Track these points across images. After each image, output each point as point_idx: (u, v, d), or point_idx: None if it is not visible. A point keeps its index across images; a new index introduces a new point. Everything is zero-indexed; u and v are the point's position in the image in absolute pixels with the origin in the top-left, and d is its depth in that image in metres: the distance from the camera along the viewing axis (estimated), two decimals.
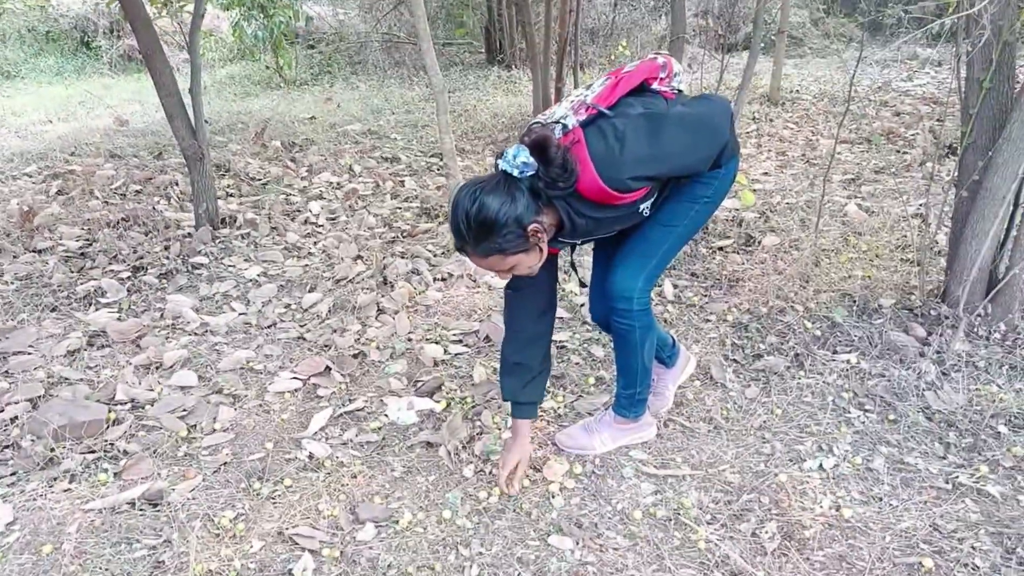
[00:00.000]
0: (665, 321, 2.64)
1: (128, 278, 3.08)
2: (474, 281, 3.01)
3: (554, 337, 2.51)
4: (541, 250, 1.53)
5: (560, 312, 2.70)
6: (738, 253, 3.15)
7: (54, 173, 4.49)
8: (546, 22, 5.40)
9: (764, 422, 2.05)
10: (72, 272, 3.12)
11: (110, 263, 3.19)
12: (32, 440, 1.98)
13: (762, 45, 6.75)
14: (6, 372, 2.38)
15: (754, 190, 3.79)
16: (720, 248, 3.20)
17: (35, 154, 5.02)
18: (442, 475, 1.90)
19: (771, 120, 5.40)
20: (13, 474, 1.89)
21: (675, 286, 2.87)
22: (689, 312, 2.70)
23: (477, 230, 1.43)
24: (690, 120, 1.55)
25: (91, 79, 8.92)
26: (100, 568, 1.59)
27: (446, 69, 8.34)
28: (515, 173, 1.43)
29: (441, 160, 4.51)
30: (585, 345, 2.51)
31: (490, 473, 1.89)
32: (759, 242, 3.18)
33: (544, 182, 1.44)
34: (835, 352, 2.35)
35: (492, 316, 2.67)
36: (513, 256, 1.48)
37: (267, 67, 8.28)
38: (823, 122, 5.29)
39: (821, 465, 1.86)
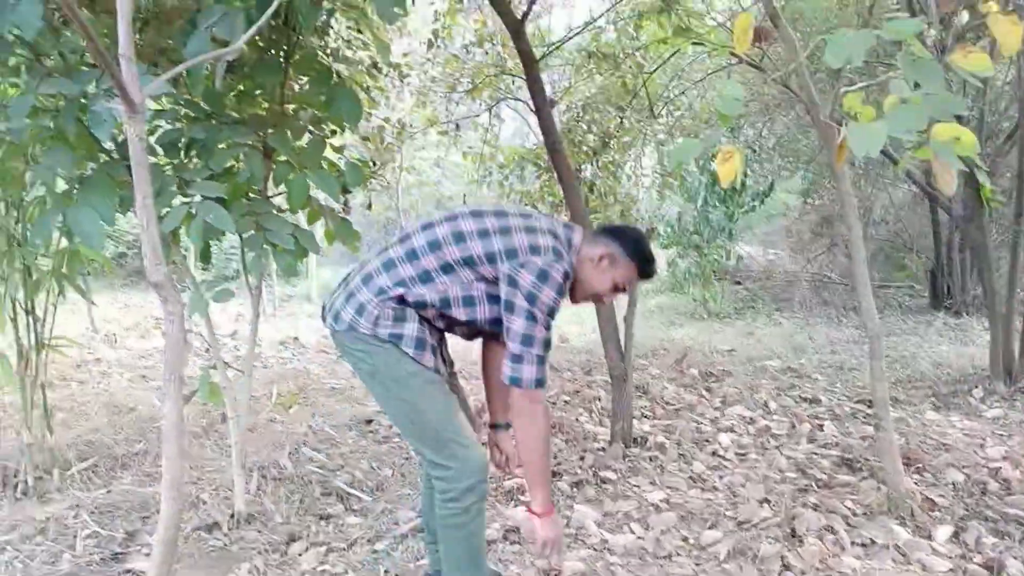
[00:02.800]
0: None
1: None
2: (903, 555, 2.56)
3: None
4: None
5: None
6: None
7: None
8: (1011, 267, 4.78)
9: None
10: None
11: None
12: None
13: None
14: None
15: None
16: None
17: None
18: None
19: None
20: None
21: None
22: None
23: None
24: None
25: None
26: None
27: (881, 312, 7.81)
28: None
29: (869, 408, 4.11)
30: None
31: None
32: None
33: None
34: None
35: None
36: None
37: (694, 299, 8.79)
38: None
39: None
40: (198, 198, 2.30)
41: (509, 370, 1.82)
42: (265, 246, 2.52)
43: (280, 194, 2.73)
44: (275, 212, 2.60)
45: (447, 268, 1.86)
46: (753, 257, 10.75)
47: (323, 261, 12.88)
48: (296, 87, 2.94)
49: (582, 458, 3.56)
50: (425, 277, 1.86)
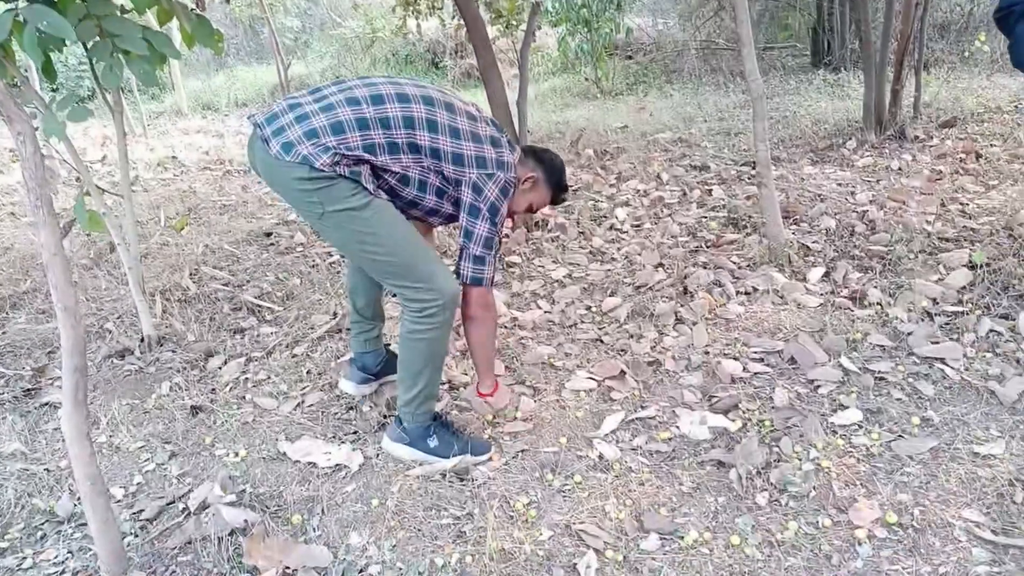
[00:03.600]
0: (1018, 362, 2.23)
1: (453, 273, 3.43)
2: (781, 298, 2.84)
3: (872, 367, 2.28)
4: None
5: (882, 340, 2.43)
6: None
7: None
8: (886, 18, 4.88)
9: None
10: None
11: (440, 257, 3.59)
12: (371, 407, 2.31)
13: None
14: None
15: None
16: None
17: None
18: (732, 498, 1.82)
19: None
20: (355, 433, 2.22)
21: None
22: None
23: None
24: None
25: None
26: (413, 528, 1.79)
27: (766, 74, 7.96)
28: None
29: (753, 169, 4.32)
30: (910, 380, 2.22)
31: (786, 504, 1.77)
32: None
33: None
34: None
35: (799, 336, 2.49)
36: None
37: (586, 79, 8.66)
38: None
39: None
40: (23, 3, 2.00)
41: (471, 271, 1.94)
42: (115, 53, 2.26)
43: None
44: (119, 14, 2.30)
45: (414, 148, 1.84)
46: (643, 29, 10.52)
47: (189, 71, 11.80)
48: None
49: None
50: (393, 148, 1.81)
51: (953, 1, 8.11)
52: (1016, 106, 5.26)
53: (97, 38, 2.23)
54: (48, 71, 2.36)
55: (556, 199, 2.20)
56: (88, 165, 5.48)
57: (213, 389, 2.52)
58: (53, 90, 8.72)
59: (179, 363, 2.68)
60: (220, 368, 2.65)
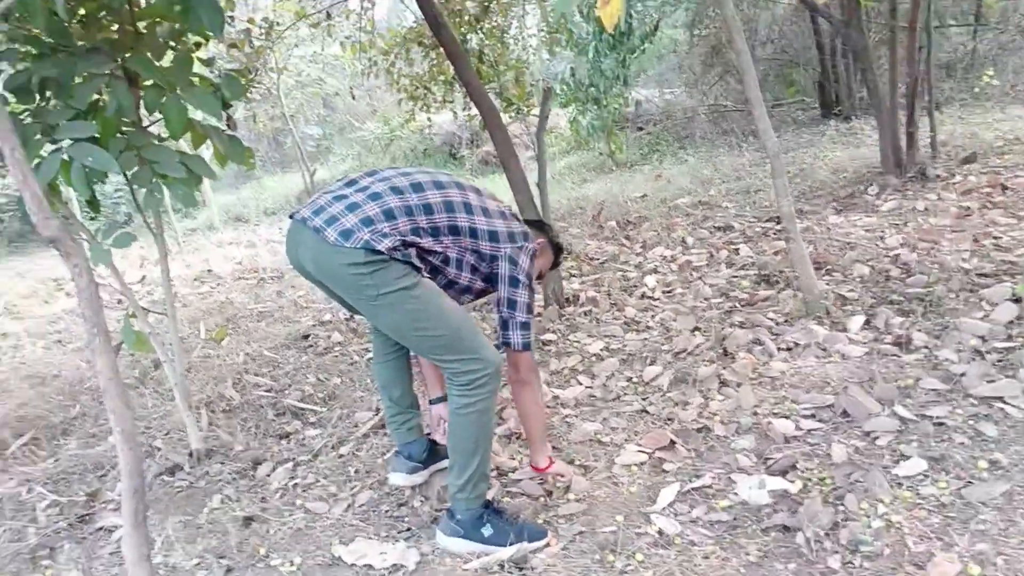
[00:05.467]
0: None
1: None
2: (824, 350, 2.79)
3: (929, 412, 2.21)
4: None
5: (934, 383, 2.37)
6: None
7: None
8: (891, 64, 4.96)
9: None
10: None
11: None
12: (421, 501, 2.29)
13: None
14: None
15: None
16: None
17: None
18: (803, 564, 1.75)
19: None
20: (408, 530, 2.19)
21: None
22: None
23: None
24: None
25: None
26: None
27: (777, 130, 8.06)
28: None
29: (778, 224, 4.33)
30: (970, 422, 2.15)
31: (860, 565, 1.69)
32: None
33: None
34: None
35: (849, 388, 2.44)
36: None
37: (600, 154, 8.85)
38: None
39: None
40: (68, 142, 2.13)
41: (520, 337, 2.03)
42: (155, 179, 2.38)
43: (157, 122, 2.55)
44: (156, 142, 2.44)
45: (454, 230, 1.97)
46: (651, 100, 10.78)
47: (218, 186, 12.31)
48: (144, 1, 2.68)
49: None
50: (434, 232, 1.93)
51: (955, 40, 8.23)
52: None
53: (137, 167, 2.36)
54: (93, 204, 2.49)
55: (556, 263, 2.45)
56: (129, 286, 5.70)
57: (264, 497, 2.52)
58: (92, 218, 9.13)
59: (228, 474, 2.69)
60: (269, 475, 2.65)
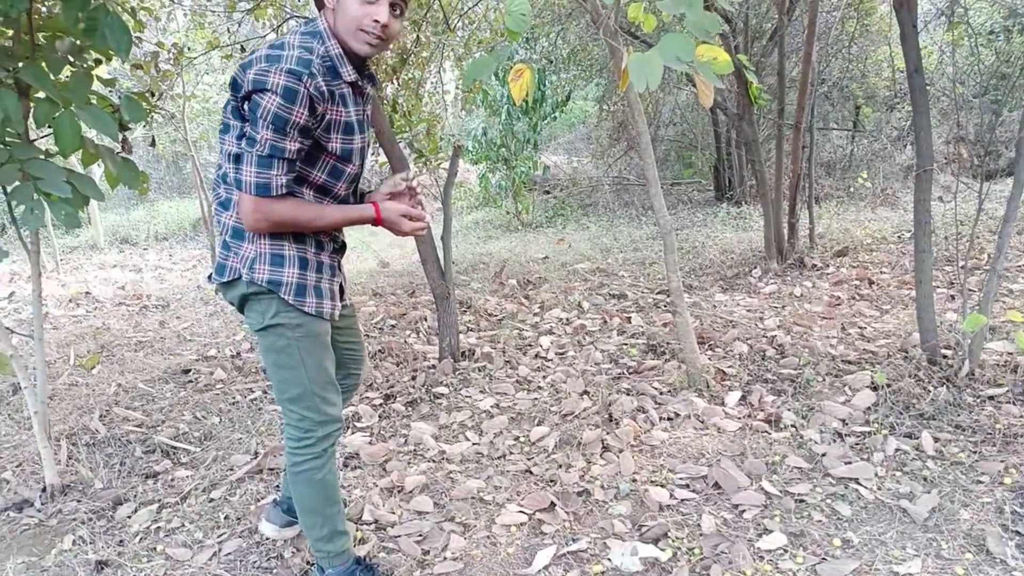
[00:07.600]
0: (925, 479, 2.34)
1: (380, 405, 3.39)
2: (702, 422, 2.92)
3: (792, 489, 2.34)
4: None
5: (799, 461, 2.52)
6: (1014, 404, 2.74)
7: None
8: (777, 158, 5.36)
9: None
10: None
11: (367, 390, 3.55)
12: (293, 552, 2.20)
13: None
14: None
15: None
16: (991, 397, 2.81)
17: None
18: None
19: None
20: None
21: (936, 439, 2.56)
22: (955, 471, 2.37)
23: None
24: None
25: (362, 231, 10.32)
26: None
27: (674, 207, 8.51)
28: None
29: (668, 297, 4.52)
30: (828, 501, 2.29)
31: None
32: None
33: None
34: None
35: (722, 461, 2.55)
36: None
37: (507, 212, 9.02)
38: None
39: None
40: None
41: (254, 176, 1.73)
42: (37, 196, 2.25)
43: (47, 135, 2.43)
44: (43, 157, 2.32)
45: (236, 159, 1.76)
46: (559, 166, 11.15)
47: (106, 205, 11.68)
48: (45, 10, 2.58)
49: (413, 377, 3.64)
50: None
51: (836, 143, 8.99)
52: (899, 236, 5.76)
53: (18, 182, 2.23)
54: None
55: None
56: None
57: (121, 540, 2.35)
58: None
59: (84, 513, 2.50)
60: (130, 517, 2.49)
